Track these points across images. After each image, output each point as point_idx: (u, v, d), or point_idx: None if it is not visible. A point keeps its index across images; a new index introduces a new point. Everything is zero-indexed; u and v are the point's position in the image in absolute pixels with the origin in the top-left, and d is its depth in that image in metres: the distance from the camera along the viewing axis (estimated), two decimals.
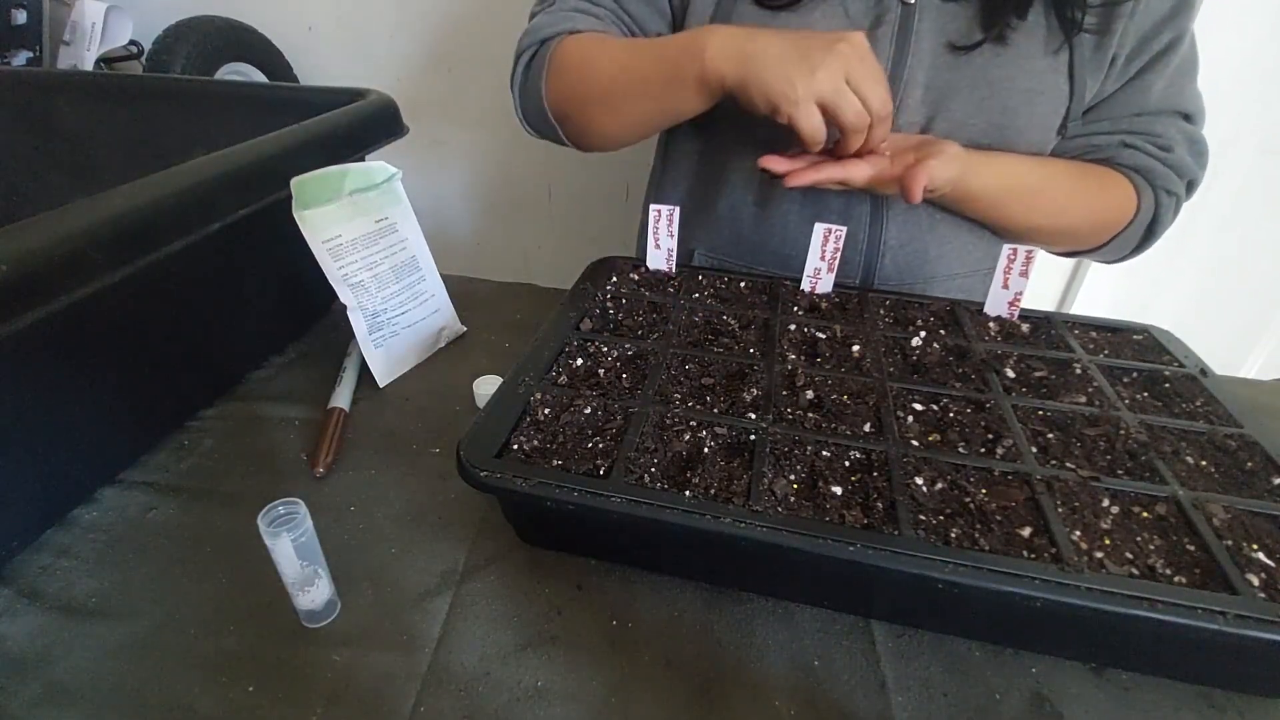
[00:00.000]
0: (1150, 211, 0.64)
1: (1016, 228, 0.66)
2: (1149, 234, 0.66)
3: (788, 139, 0.54)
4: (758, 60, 0.51)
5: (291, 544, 0.36)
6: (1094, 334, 0.57)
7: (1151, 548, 0.36)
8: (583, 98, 0.63)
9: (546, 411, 0.44)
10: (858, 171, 0.56)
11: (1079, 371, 0.51)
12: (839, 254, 0.58)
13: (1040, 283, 1.30)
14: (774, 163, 0.57)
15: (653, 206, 0.60)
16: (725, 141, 0.69)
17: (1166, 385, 0.51)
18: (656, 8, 0.67)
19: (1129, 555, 0.36)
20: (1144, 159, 0.63)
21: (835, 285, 0.61)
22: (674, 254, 0.63)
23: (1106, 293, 1.28)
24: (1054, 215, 0.66)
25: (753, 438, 0.42)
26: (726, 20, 0.63)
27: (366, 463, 0.52)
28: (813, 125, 0.51)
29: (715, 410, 0.45)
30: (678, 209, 0.60)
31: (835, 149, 0.56)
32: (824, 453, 0.42)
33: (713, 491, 0.38)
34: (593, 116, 0.64)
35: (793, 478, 0.40)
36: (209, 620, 0.40)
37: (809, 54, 0.50)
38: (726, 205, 0.71)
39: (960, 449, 0.43)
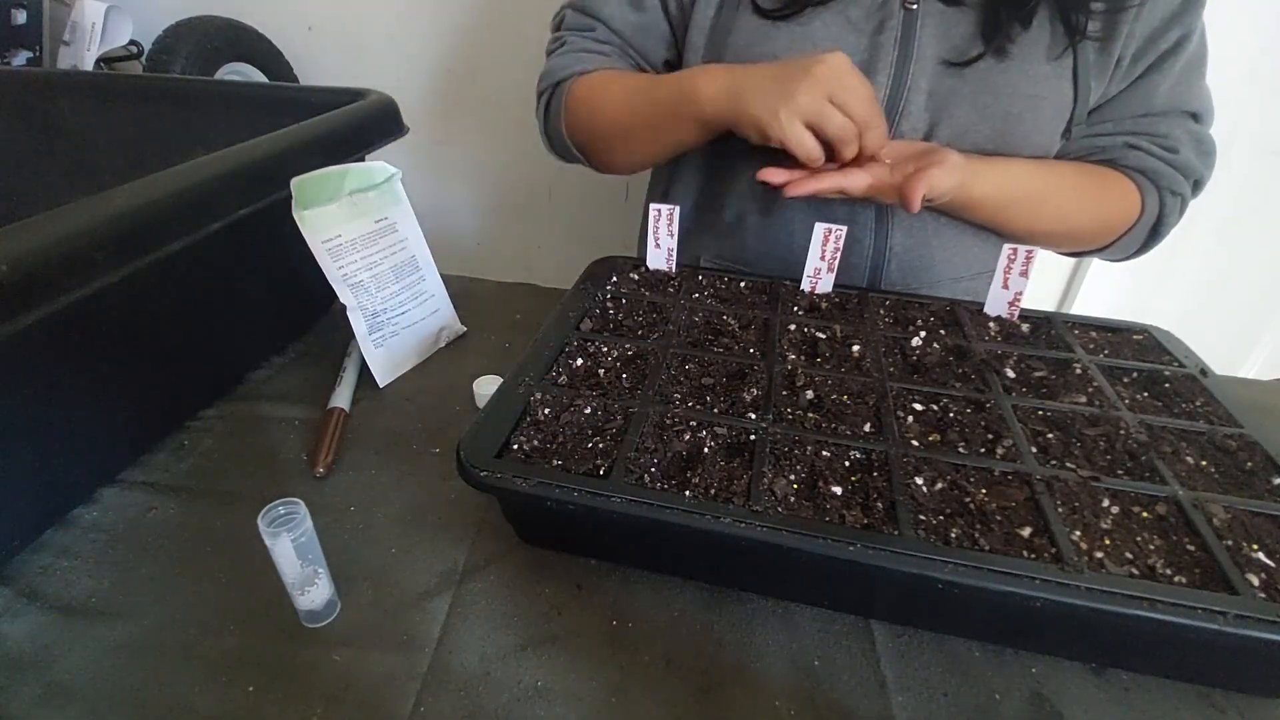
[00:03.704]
0: (1155, 213, 0.64)
1: (1020, 232, 0.66)
2: (1154, 234, 0.66)
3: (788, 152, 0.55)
4: (743, 96, 0.55)
5: (291, 544, 0.36)
6: (1094, 334, 0.57)
7: (1151, 548, 0.36)
8: (595, 135, 0.69)
9: (546, 411, 0.44)
10: (856, 180, 0.56)
11: (1079, 371, 0.51)
12: (839, 254, 0.58)
13: (1040, 283, 1.30)
14: (773, 175, 0.57)
15: (653, 206, 0.60)
16: (728, 154, 0.69)
17: (1166, 385, 0.50)
18: (658, 35, 0.69)
19: (1129, 555, 0.36)
20: (1149, 160, 0.63)
21: (835, 285, 0.61)
22: (674, 254, 0.63)
23: (1106, 293, 1.27)
24: (1058, 220, 0.65)
25: (753, 438, 0.42)
26: (728, 31, 0.63)
27: (366, 463, 0.52)
28: (803, 145, 0.53)
29: (715, 410, 0.45)
30: (677, 208, 0.60)
31: (835, 157, 0.56)
32: (824, 453, 0.42)
33: (713, 491, 0.38)
34: (608, 150, 0.70)
35: (793, 478, 0.40)
36: (209, 620, 0.40)
37: (787, 80, 0.52)
38: (732, 215, 0.71)
39: (960, 449, 0.43)
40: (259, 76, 1.33)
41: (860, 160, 0.56)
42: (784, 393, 0.47)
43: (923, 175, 0.54)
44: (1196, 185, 0.64)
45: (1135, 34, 0.58)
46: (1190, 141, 0.63)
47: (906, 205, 0.54)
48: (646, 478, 0.39)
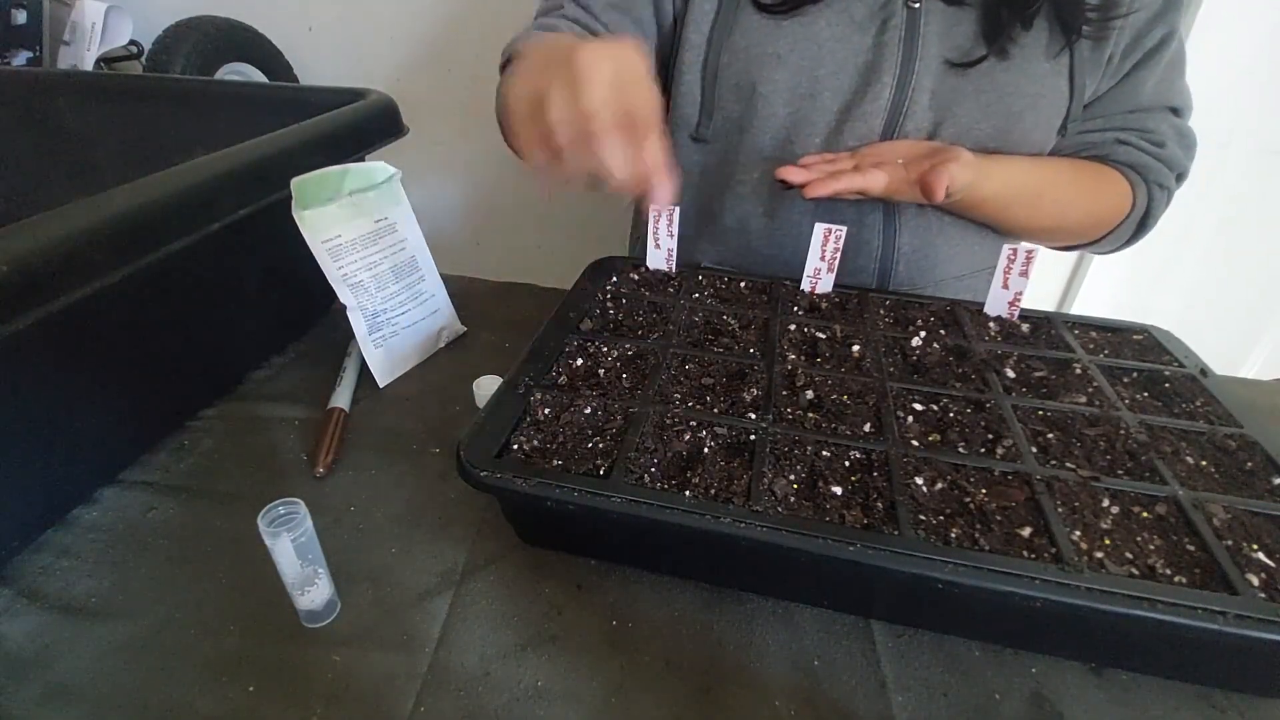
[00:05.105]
0: (1144, 206, 0.66)
1: (1021, 228, 0.68)
2: (1141, 227, 0.68)
3: (793, 154, 0.55)
4: (526, 55, 0.49)
5: (291, 544, 0.36)
6: (1094, 334, 0.57)
7: (1151, 548, 0.36)
8: (504, 125, 0.61)
9: (546, 411, 0.44)
10: (874, 180, 0.57)
11: (1079, 371, 0.51)
12: (839, 254, 0.58)
13: (1040, 283, 1.30)
14: (791, 173, 0.57)
15: (653, 206, 0.60)
16: (731, 154, 0.69)
17: (1166, 385, 0.50)
18: (635, 18, 0.65)
19: (1129, 555, 0.36)
20: (1138, 155, 0.64)
21: (835, 285, 0.61)
22: (674, 254, 0.63)
23: (1106, 293, 1.27)
24: (1056, 216, 0.67)
25: (753, 438, 0.42)
26: (729, 30, 0.63)
27: (366, 463, 0.52)
28: (518, 109, 0.44)
29: (715, 410, 0.45)
30: (677, 209, 0.60)
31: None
32: (824, 453, 0.42)
33: (713, 491, 0.38)
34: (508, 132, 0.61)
35: (793, 478, 0.40)
36: (209, 620, 0.40)
37: (551, 63, 0.42)
38: (734, 218, 0.71)
39: (960, 449, 0.43)
40: (259, 76, 1.32)
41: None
42: (784, 393, 0.47)
43: (943, 168, 0.54)
44: (1180, 177, 0.67)
45: (1124, 31, 0.60)
46: (1174, 135, 0.65)
47: (929, 195, 0.54)
48: (646, 478, 0.39)
